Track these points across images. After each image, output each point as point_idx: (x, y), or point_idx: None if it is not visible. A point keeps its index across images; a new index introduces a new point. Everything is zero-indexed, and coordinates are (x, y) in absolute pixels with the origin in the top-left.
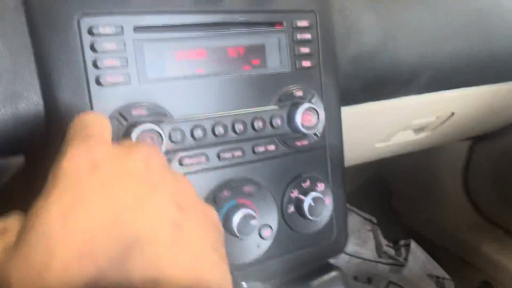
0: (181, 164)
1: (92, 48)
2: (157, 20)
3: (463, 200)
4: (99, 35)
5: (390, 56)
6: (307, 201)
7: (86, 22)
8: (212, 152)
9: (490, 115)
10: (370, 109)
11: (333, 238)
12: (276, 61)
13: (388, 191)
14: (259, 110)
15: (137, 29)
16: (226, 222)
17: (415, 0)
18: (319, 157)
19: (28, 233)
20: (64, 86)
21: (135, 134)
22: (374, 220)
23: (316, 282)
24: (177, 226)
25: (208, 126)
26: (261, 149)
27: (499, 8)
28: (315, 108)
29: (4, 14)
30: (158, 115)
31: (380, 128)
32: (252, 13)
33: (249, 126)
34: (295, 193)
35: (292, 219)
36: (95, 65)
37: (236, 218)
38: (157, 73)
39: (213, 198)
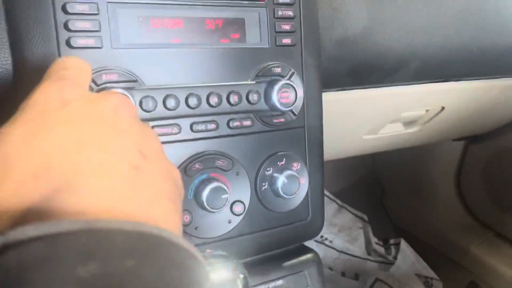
0: None
1: (64, 10)
2: None
3: (455, 201)
4: None
5: (376, 42)
6: (281, 179)
7: None
8: (185, 123)
9: (482, 113)
10: (357, 96)
11: (308, 220)
12: (255, 36)
13: (381, 189)
14: (236, 84)
15: None
16: (196, 195)
17: None
18: (296, 136)
19: None
20: (33, 46)
21: None
22: (366, 217)
23: (289, 263)
24: (136, 168)
25: (181, 96)
26: (236, 123)
27: (494, 2)
28: (293, 85)
29: None
30: (130, 81)
31: (367, 118)
32: None
33: (224, 100)
34: (270, 171)
35: (265, 197)
36: (66, 27)
37: (207, 191)
38: (130, 39)
39: (185, 170)
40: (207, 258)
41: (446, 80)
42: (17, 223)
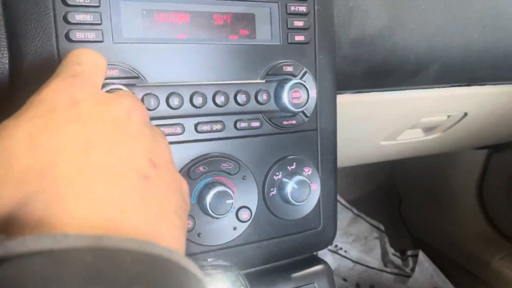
0: None
1: (64, 1)
2: None
3: (476, 212)
4: None
5: (396, 42)
6: (290, 184)
7: None
8: (189, 123)
9: (508, 120)
10: (374, 99)
11: (320, 229)
12: (266, 32)
13: (398, 198)
14: (244, 83)
15: None
16: (200, 199)
17: None
18: (308, 139)
19: None
20: (31, 39)
21: None
22: (382, 227)
23: (298, 274)
24: (145, 177)
25: (186, 94)
26: (243, 124)
27: None
28: (305, 84)
29: None
30: (131, 78)
31: (385, 122)
32: None
33: (231, 99)
34: (279, 176)
35: (274, 203)
36: (65, 19)
37: (210, 195)
38: (133, 33)
39: (188, 173)
40: (206, 268)
41: (469, 84)
42: (11, 228)
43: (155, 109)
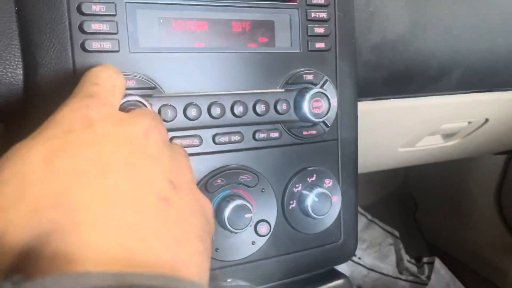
0: None
1: (79, 10)
2: None
3: (495, 219)
4: None
5: (418, 48)
6: (311, 197)
7: None
8: (207, 134)
9: None
10: (394, 106)
11: (340, 243)
12: (285, 40)
13: (413, 204)
14: (263, 92)
15: None
16: (218, 212)
17: None
18: (328, 150)
19: (3, 168)
20: (46, 49)
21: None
22: (397, 233)
23: None
24: (165, 200)
25: (204, 105)
26: (262, 135)
27: None
28: (326, 93)
29: None
30: (148, 88)
31: (405, 129)
32: None
33: (250, 109)
34: (298, 188)
35: (293, 216)
36: (81, 29)
37: (229, 209)
38: (150, 42)
39: (205, 186)
40: None
41: (490, 90)
42: (27, 261)
43: (172, 120)
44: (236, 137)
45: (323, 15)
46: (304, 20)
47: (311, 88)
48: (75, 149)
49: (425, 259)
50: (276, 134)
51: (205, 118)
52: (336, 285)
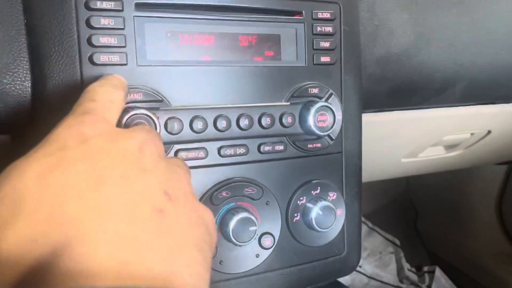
0: None
1: (88, 24)
2: None
3: (496, 228)
4: (97, 9)
5: (422, 61)
6: (315, 210)
7: None
8: (212, 147)
9: None
10: (397, 118)
11: (344, 255)
12: (291, 54)
13: (414, 212)
14: (269, 106)
15: (139, 5)
16: (222, 225)
17: (454, 2)
18: (333, 163)
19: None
20: (54, 62)
21: (125, 119)
22: (398, 242)
23: None
24: (160, 211)
25: (210, 118)
26: (267, 148)
27: None
28: (331, 107)
29: None
30: (155, 101)
31: (407, 141)
32: None
33: (256, 122)
34: (303, 201)
35: (297, 229)
36: (89, 42)
37: (233, 222)
38: (157, 55)
39: (210, 198)
40: None
41: (493, 102)
42: (19, 273)
43: (178, 133)
44: (242, 150)
45: (328, 29)
46: (310, 34)
47: (316, 102)
48: (68, 165)
49: (425, 268)
50: (281, 147)
51: (211, 131)
52: None
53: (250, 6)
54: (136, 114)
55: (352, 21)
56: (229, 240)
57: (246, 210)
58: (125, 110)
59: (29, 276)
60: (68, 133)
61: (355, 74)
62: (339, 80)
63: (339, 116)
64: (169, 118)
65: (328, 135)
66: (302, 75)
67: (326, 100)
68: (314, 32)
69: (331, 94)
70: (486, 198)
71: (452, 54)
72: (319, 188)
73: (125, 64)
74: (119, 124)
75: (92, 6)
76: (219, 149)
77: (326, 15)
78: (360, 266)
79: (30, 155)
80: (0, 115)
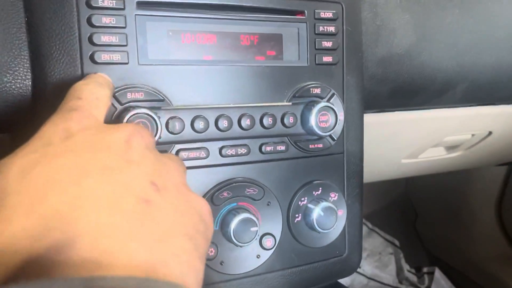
0: None
1: (89, 22)
2: None
3: (495, 230)
4: (98, 8)
5: (423, 62)
6: (316, 211)
7: None
8: (213, 147)
9: None
10: (398, 119)
11: (345, 256)
12: (293, 53)
13: (414, 213)
14: (270, 106)
15: (141, 4)
16: (223, 226)
17: (456, 3)
18: (334, 163)
19: None
20: (55, 60)
21: (127, 118)
22: (397, 243)
23: None
24: (145, 201)
25: (211, 117)
26: (269, 148)
27: None
28: (333, 108)
29: None
30: (156, 101)
31: (408, 141)
32: None
33: (257, 122)
34: (304, 201)
35: (298, 230)
36: (91, 40)
37: (234, 223)
38: (159, 54)
39: (211, 198)
40: None
41: (494, 103)
42: (4, 275)
43: (179, 133)
44: (243, 150)
45: (331, 29)
46: (312, 34)
47: (318, 102)
48: (50, 160)
49: (425, 269)
50: (282, 147)
51: (212, 130)
52: None
53: (252, 5)
54: (137, 113)
55: (354, 21)
56: (230, 241)
57: (247, 210)
58: (126, 110)
59: (9, 271)
60: (54, 130)
61: (357, 74)
62: (341, 80)
63: (341, 116)
64: (170, 118)
65: (330, 136)
66: (304, 75)
67: (328, 100)
68: (316, 32)
69: (333, 94)
70: (486, 199)
71: (453, 55)
72: (320, 188)
73: (126, 63)
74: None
75: (94, 5)
76: (220, 149)
77: (329, 14)
78: (359, 267)
79: (16, 153)
80: (0, 114)
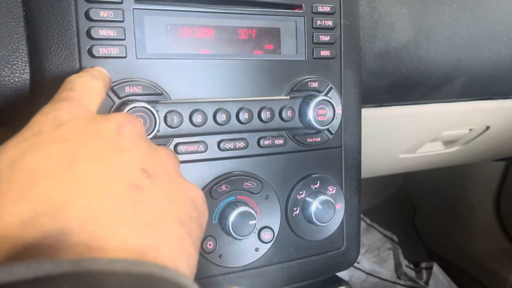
0: (175, 151)
1: (87, 16)
2: None
3: (493, 225)
4: (96, 2)
5: (421, 56)
6: (314, 204)
7: None
8: (212, 140)
9: None
10: (396, 113)
11: (343, 250)
12: (291, 47)
13: (412, 209)
14: (268, 99)
15: None
16: (222, 219)
17: None
18: (332, 157)
19: None
20: (53, 54)
21: (125, 112)
22: (396, 238)
23: None
24: (136, 187)
25: (209, 111)
26: (267, 142)
27: None
28: (331, 101)
29: None
30: (154, 94)
31: (406, 136)
32: None
33: (255, 116)
34: (302, 195)
35: (296, 223)
36: (89, 34)
37: (233, 216)
38: (157, 48)
39: (210, 192)
40: None
41: (492, 98)
42: None
43: (178, 126)
44: (241, 144)
45: (329, 23)
46: (310, 28)
47: (316, 96)
48: (40, 148)
49: (423, 264)
50: (280, 141)
51: (210, 124)
52: None
53: None
54: (135, 107)
55: (352, 15)
56: (229, 234)
57: (245, 204)
58: (124, 103)
59: None
60: (44, 119)
61: (355, 69)
62: (339, 74)
63: (338, 110)
64: (169, 111)
65: (328, 129)
66: (301, 69)
67: (326, 94)
68: (314, 26)
69: (331, 88)
70: (484, 194)
71: (451, 49)
72: (318, 182)
73: (124, 57)
74: None
75: None
76: (218, 143)
77: (326, 8)
78: (358, 262)
79: (7, 143)
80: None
